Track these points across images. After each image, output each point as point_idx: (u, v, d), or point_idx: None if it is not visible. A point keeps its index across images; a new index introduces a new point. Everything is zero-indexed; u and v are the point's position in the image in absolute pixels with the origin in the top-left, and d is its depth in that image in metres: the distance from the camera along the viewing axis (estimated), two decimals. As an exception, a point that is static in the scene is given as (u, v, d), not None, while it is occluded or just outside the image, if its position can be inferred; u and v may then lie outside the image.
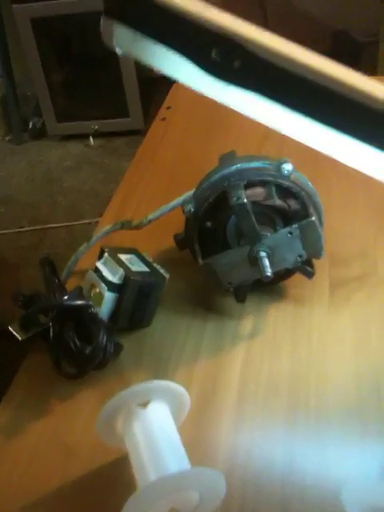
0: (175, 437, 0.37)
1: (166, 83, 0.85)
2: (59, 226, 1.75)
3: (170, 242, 0.56)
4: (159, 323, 0.52)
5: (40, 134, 2.31)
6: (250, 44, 0.39)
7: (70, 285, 0.55)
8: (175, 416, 0.39)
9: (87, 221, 1.75)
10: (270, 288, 0.52)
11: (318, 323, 0.49)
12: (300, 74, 0.38)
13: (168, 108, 0.88)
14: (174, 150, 0.80)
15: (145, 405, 0.39)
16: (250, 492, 0.38)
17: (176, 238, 0.54)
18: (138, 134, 2.12)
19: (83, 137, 2.23)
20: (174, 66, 0.44)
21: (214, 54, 0.40)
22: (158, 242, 0.60)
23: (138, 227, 0.57)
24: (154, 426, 0.37)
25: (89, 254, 0.57)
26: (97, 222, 0.70)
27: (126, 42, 0.45)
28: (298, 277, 0.51)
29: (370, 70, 2.00)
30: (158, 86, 2.00)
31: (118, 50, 0.47)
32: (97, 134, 2.21)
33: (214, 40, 0.40)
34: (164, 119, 0.86)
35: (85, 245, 0.59)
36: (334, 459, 0.39)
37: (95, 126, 2.18)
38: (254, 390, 0.45)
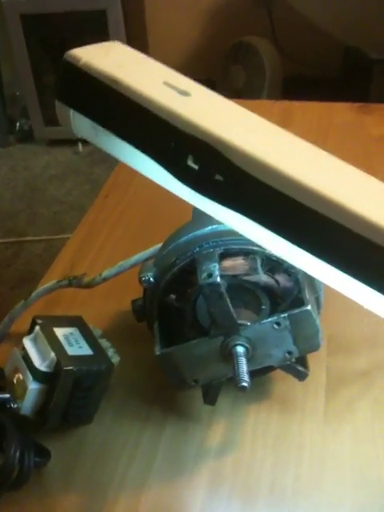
0: None
1: None
2: (37, 240, 1.62)
3: (126, 308, 0.44)
4: (102, 422, 0.39)
5: (27, 136, 2.18)
6: (236, 155, 0.30)
7: (2, 353, 0.43)
8: None
9: (68, 235, 1.62)
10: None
11: (309, 439, 0.37)
12: (297, 200, 0.29)
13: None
14: (148, 190, 0.67)
15: None
16: None
17: (134, 305, 0.42)
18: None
19: (72, 143, 2.11)
20: (142, 165, 0.35)
21: (190, 162, 0.32)
22: (115, 303, 0.48)
23: (88, 286, 0.45)
24: None
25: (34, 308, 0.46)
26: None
27: (86, 131, 0.36)
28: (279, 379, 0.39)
29: (383, 87, 1.90)
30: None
31: (79, 135, 0.39)
32: (86, 141, 2.08)
33: (191, 145, 0.31)
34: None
35: (22, 303, 0.47)
36: None
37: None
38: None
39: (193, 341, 0.35)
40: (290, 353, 0.35)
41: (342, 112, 0.81)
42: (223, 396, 0.38)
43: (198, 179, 0.32)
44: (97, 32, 1.92)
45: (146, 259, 0.45)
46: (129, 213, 0.64)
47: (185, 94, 0.34)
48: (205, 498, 0.34)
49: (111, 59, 0.35)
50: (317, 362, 0.40)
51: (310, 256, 0.30)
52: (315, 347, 0.35)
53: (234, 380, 0.33)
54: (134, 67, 0.36)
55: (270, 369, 0.39)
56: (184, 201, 0.34)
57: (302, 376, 0.37)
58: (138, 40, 2.14)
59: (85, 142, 2.11)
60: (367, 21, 2.08)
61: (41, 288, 0.47)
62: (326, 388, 0.40)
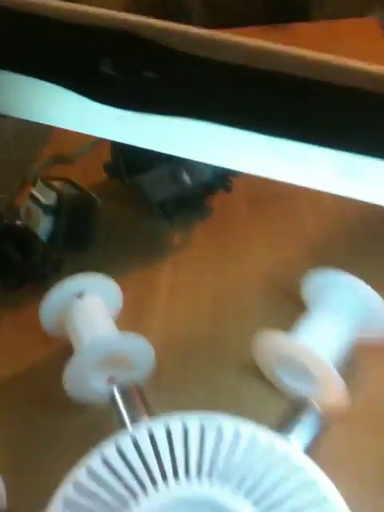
0: (107, 317, 0.42)
1: None
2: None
3: (101, 176, 0.60)
4: (97, 243, 0.56)
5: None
6: (166, 36, 0.23)
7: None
8: (109, 306, 0.44)
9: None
10: (196, 208, 0.58)
11: (237, 233, 0.55)
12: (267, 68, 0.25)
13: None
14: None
15: (80, 297, 0.43)
16: (181, 356, 0.43)
17: (105, 166, 0.58)
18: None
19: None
20: (49, 105, 0.29)
21: (108, 68, 0.25)
22: (90, 175, 0.64)
23: (71, 160, 0.61)
24: (88, 309, 0.42)
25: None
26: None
27: None
28: (219, 198, 0.57)
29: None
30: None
31: None
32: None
33: (108, 43, 0.24)
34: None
35: (21, 179, 0.62)
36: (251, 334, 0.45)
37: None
38: (182, 290, 0.50)
39: (151, 170, 0.52)
40: (217, 170, 0.52)
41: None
42: (178, 218, 0.56)
43: (121, 86, 0.25)
44: None
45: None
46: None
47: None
48: (172, 273, 0.52)
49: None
50: (239, 192, 0.58)
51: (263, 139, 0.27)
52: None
53: (182, 187, 0.51)
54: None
55: (207, 193, 0.57)
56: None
57: (228, 188, 0.54)
58: None
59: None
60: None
61: (35, 167, 0.63)
62: (247, 205, 0.58)
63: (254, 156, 0.31)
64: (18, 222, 0.52)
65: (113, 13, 0.25)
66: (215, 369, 0.43)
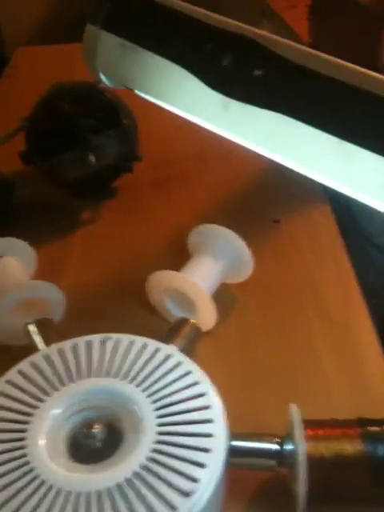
0: (24, 273, 0.49)
1: None
2: None
3: (18, 164, 0.67)
4: (14, 223, 0.62)
5: None
6: (276, 45, 0.31)
7: None
8: (25, 268, 0.51)
9: None
10: (105, 189, 0.66)
11: (141, 210, 0.64)
12: (359, 86, 0.29)
13: (14, 68, 0.99)
14: (26, 98, 0.90)
15: (-1, 259, 0.50)
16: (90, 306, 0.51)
17: (21, 154, 0.65)
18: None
19: None
20: (169, 83, 0.37)
21: (225, 62, 0.32)
22: (6, 165, 0.70)
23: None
24: (7, 268, 0.49)
25: None
26: None
27: (111, 56, 0.39)
28: (126, 181, 0.65)
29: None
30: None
31: (100, 74, 0.41)
32: None
33: (228, 43, 0.32)
34: (9, 77, 0.96)
35: None
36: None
37: None
38: (93, 255, 0.58)
39: (61, 154, 0.60)
40: (119, 154, 0.61)
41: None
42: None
43: (235, 78, 0.32)
44: None
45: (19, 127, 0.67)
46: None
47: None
48: (82, 245, 0.60)
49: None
50: (141, 174, 0.67)
51: (360, 150, 0.30)
52: (133, 148, 0.61)
53: (88, 167, 0.59)
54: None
55: (113, 176, 0.65)
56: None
57: (129, 169, 0.63)
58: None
59: None
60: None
61: None
62: (149, 186, 0.67)
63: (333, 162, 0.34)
64: None
65: (239, 23, 0.34)
66: (116, 308, 0.51)
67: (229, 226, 0.49)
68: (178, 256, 0.55)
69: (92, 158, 0.58)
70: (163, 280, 0.47)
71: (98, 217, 0.63)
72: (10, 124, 0.86)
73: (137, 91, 0.42)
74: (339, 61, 0.33)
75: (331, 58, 0.33)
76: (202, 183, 0.69)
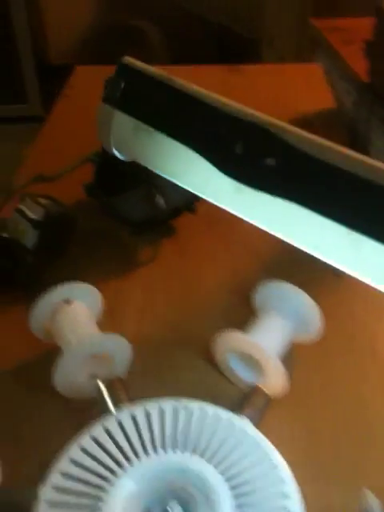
0: (91, 321, 0.49)
1: (67, 72, 0.95)
2: None
3: (79, 194, 0.67)
4: (74, 255, 0.62)
5: None
6: (290, 136, 0.31)
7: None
8: (92, 311, 0.51)
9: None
10: (163, 227, 0.65)
11: (199, 249, 0.63)
12: (370, 179, 0.29)
13: (71, 87, 0.99)
14: (80, 121, 0.90)
15: (67, 303, 0.50)
16: (151, 355, 0.50)
17: (85, 186, 0.65)
18: (38, 120, 2.15)
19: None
20: (182, 165, 0.37)
21: (238, 149, 0.33)
22: (69, 193, 0.70)
23: (52, 179, 0.68)
24: (75, 314, 0.49)
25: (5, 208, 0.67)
26: None
27: (124, 134, 0.40)
28: (183, 219, 0.64)
29: (256, 64, 2.19)
30: (56, 72, 2.06)
31: (114, 149, 0.43)
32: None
33: (242, 131, 0.32)
34: (67, 96, 0.96)
35: (4, 195, 0.68)
36: (210, 323, 0.53)
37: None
38: (152, 298, 0.57)
39: (128, 192, 0.59)
40: (184, 194, 0.60)
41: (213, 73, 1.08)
42: (147, 235, 0.64)
43: (247, 166, 0.32)
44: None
45: (88, 158, 0.67)
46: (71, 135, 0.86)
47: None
48: (143, 284, 0.59)
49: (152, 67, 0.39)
50: (202, 213, 0.66)
51: (377, 245, 0.30)
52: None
53: (157, 209, 0.58)
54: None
55: (174, 215, 0.64)
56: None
57: (192, 210, 0.62)
58: (35, 23, 2.28)
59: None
60: (238, 3, 2.35)
61: (17, 186, 0.68)
62: (208, 225, 0.66)
63: (340, 249, 0.35)
64: (5, 235, 0.57)
65: (253, 111, 0.35)
66: (180, 363, 0.50)
67: (289, 277, 0.48)
68: (240, 307, 0.54)
69: (160, 200, 0.58)
70: (230, 342, 0.46)
71: (157, 256, 0.63)
72: (65, 146, 0.86)
73: (151, 169, 0.43)
74: (349, 152, 0.33)
75: (341, 148, 0.33)
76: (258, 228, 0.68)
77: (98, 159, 0.61)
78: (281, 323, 0.48)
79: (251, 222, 0.39)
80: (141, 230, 0.63)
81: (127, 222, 0.61)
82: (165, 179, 0.58)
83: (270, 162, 0.32)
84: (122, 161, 0.60)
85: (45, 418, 0.46)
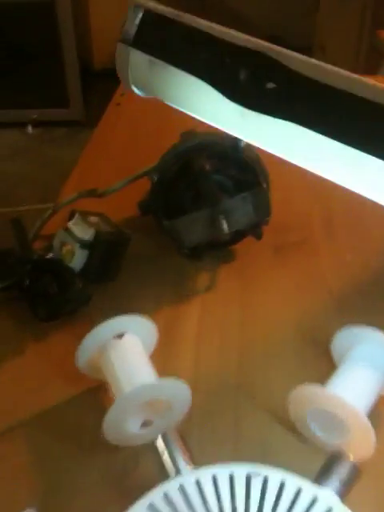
0: (146, 359, 0.43)
1: (109, 78, 0.90)
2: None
3: (131, 211, 0.62)
4: (124, 278, 0.57)
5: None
6: (287, 59, 0.35)
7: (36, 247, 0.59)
8: (145, 345, 0.45)
9: (25, 207, 1.75)
10: (223, 251, 0.59)
11: (262, 278, 0.57)
12: (362, 96, 0.33)
13: (122, 94, 0.94)
14: (130, 131, 0.85)
15: (119, 337, 0.44)
16: (209, 402, 0.45)
17: (140, 204, 0.60)
18: (79, 125, 2.14)
19: (21, 125, 2.22)
20: (193, 95, 0.41)
21: (242, 76, 0.36)
22: (120, 210, 0.65)
23: (102, 195, 0.63)
24: (128, 351, 0.43)
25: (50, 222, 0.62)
26: (37, 209, 0.74)
27: (141, 70, 0.44)
28: (245, 243, 0.58)
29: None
30: (99, 78, 2.03)
31: (132, 86, 0.46)
32: (35, 123, 2.21)
33: (245, 58, 0.36)
34: (119, 104, 0.91)
35: (50, 211, 0.63)
36: (278, 377, 0.47)
37: (34, 114, 2.18)
38: (210, 330, 0.52)
39: (189, 214, 0.54)
40: (252, 219, 0.54)
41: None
42: (205, 259, 0.58)
43: (250, 91, 0.36)
44: (45, 24, 2.04)
45: (144, 173, 0.62)
46: (121, 147, 0.81)
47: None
48: (199, 314, 0.53)
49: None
50: (266, 238, 0.60)
51: (371, 159, 0.34)
52: (267, 214, 0.54)
53: (218, 234, 0.52)
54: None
55: (237, 240, 0.58)
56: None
57: (258, 235, 0.56)
58: (81, 30, 2.27)
59: (34, 125, 2.23)
60: (290, 10, 2.32)
61: (66, 198, 0.63)
62: (273, 251, 0.60)
63: (340, 165, 0.38)
64: (52, 255, 0.53)
65: (254, 39, 0.38)
66: (242, 417, 0.44)
67: (367, 318, 0.43)
68: (313, 352, 0.48)
69: (224, 224, 0.52)
70: (309, 398, 0.40)
71: (215, 284, 0.57)
72: (117, 157, 0.81)
73: (165, 101, 0.46)
74: (343, 72, 0.36)
75: (338, 69, 0.36)
76: (328, 252, 0.61)
77: (155, 175, 0.55)
78: (367, 374, 0.41)
79: (256, 144, 0.42)
80: (198, 253, 0.57)
81: (185, 245, 0.55)
82: (234, 201, 0.53)
83: (271, 85, 0.35)
84: (183, 180, 0.55)
85: (86, 468, 0.40)
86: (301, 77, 0.35)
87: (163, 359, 0.48)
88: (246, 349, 0.50)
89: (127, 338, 0.44)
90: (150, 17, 0.43)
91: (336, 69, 0.36)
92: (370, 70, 1.47)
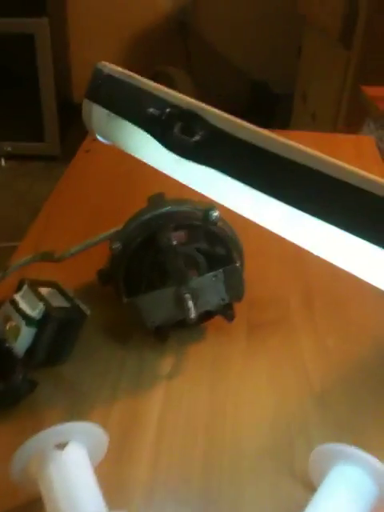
0: (92, 480, 0.36)
1: None
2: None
3: (90, 278, 0.55)
4: (77, 359, 0.50)
5: None
6: (211, 117, 0.44)
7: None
8: (93, 456, 0.38)
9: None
10: (191, 329, 0.53)
11: (235, 365, 0.50)
12: (265, 148, 0.42)
13: (94, 140, 0.88)
14: (98, 184, 0.80)
15: (61, 446, 0.37)
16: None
17: (100, 273, 0.53)
18: (54, 159, 2.08)
19: (-7, 158, 2.16)
20: (140, 144, 0.49)
21: (176, 129, 0.45)
22: (77, 276, 0.59)
23: (59, 260, 0.56)
24: (71, 470, 0.36)
25: (1, 285, 0.55)
26: (6, 247, 0.68)
27: (102, 122, 0.52)
28: (217, 319, 0.52)
29: (284, 123, 2.13)
30: (78, 112, 1.98)
31: (95, 132, 0.55)
32: (9, 156, 2.14)
33: (178, 115, 0.45)
34: (88, 151, 0.86)
35: (0, 274, 0.56)
36: (249, 498, 0.40)
37: (8, 147, 2.12)
38: (172, 429, 0.45)
39: (153, 291, 0.47)
40: (223, 299, 0.48)
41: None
42: (171, 337, 0.51)
43: (182, 142, 0.45)
44: (23, 56, 2.00)
45: (106, 238, 0.56)
46: (86, 201, 0.75)
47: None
48: (161, 405, 0.47)
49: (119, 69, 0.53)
50: (240, 316, 0.54)
51: (276, 203, 0.43)
52: (241, 294, 0.48)
53: (184, 316, 0.46)
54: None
55: (207, 317, 0.52)
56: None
57: (230, 317, 0.50)
58: (61, 63, 2.24)
59: (8, 158, 2.16)
60: (273, 56, 2.34)
61: (17, 262, 0.57)
62: (247, 332, 0.54)
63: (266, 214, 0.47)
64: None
65: (187, 98, 0.47)
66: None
67: (358, 424, 0.39)
68: (287, 443, 0.42)
69: (191, 307, 0.46)
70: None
71: (181, 369, 0.50)
72: (84, 203, 0.75)
73: (120, 148, 0.54)
74: (256, 128, 0.44)
75: (250, 125, 0.45)
76: (308, 333, 0.55)
77: (117, 244, 0.49)
78: (346, 500, 0.35)
79: (192, 187, 0.49)
80: (164, 335, 0.51)
81: (147, 326, 0.49)
82: (198, 280, 0.47)
83: (196, 138, 0.43)
84: (148, 252, 0.49)
85: None
86: (220, 131, 0.43)
87: (118, 464, 0.42)
88: (212, 458, 0.43)
89: (70, 451, 0.37)
90: (108, 77, 0.51)
91: (250, 125, 0.44)
92: (352, 120, 1.45)
